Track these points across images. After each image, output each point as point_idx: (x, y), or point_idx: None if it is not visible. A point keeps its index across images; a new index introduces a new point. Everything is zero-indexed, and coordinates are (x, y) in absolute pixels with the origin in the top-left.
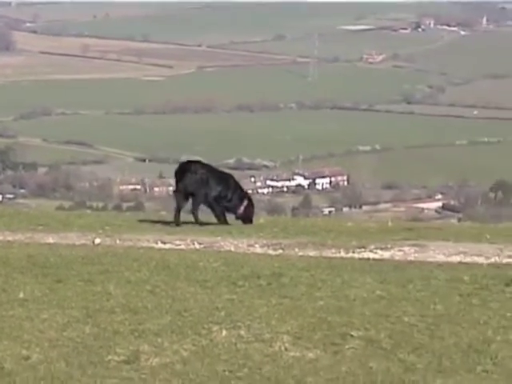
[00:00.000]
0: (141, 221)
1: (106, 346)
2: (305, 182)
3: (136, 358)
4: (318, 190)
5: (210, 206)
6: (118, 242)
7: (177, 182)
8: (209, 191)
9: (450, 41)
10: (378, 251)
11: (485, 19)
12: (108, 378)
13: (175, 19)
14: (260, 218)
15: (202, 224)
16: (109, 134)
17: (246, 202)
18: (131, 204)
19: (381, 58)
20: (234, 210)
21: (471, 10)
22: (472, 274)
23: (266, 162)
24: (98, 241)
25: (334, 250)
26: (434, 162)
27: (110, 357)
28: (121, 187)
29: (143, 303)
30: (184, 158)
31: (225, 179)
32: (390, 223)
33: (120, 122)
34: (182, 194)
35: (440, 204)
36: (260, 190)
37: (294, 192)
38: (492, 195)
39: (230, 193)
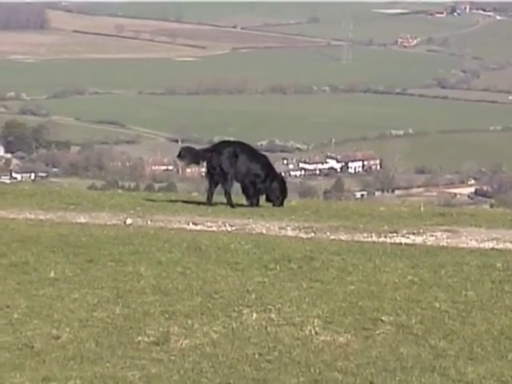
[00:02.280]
0: (172, 202)
1: (136, 327)
2: (337, 166)
3: (166, 339)
4: (350, 173)
5: (241, 184)
6: (149, 222)
7: (207, 163)
8: (238, 170)
9: (486, 25)
10: (410, 236)
11: None
12: (138, 358)
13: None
14: (292, 200)
15: (233, 206)
16: (141, 113)
17: (277, 184)
18: (163, 184)
19: (415, 41)
20: (265, 191)
21: None
22: (504, 261)
23: (298, 145)
24: (129, 221)
25: (365, 234)
26: (467, 147)
27: (139, 338)
28: (153, 167)
29: (174, 285)
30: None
31: (256, 158)
32: (422, 208)
33: (153, 102)
34: (212, 174)
35: (473, 189)
36: (292, 173)
37: (326, 175)
38: None
39: (263, 173)
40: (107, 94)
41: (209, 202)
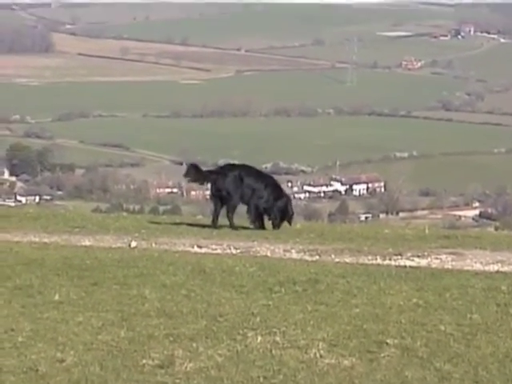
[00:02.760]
0: (177, 224)
1: (141, 350)
2: (342, 188)
3: (170, 362)
4: (354, 195)
5: (247, 205)
6: (154, 245)
7: (212, 185)
8: (243, 192)
9: (490, 48)
10: (415, 258)
11: None
12: (142, 382)
13: (214, 22)
14: (297, 223)
15: (236, 228)
16: (146, 136)
17: (280, 204)
18: (168, 207)
19: (420, 64)
20: (269, 212)
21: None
22: (509, 284)
23: (303, 167)
24: (134, 244)
25: (370, 257)
26: (472, 170)
27: (144, 361)
28: (157, 190)
29: (178, 307)
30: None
31: (261, 179)
32: (426, 230)
33: (157, 125)
34: (217, 197)
35: (477, 212)
36: (297, 195)
37: (330, 197)
38: None
39: (267, 194)
40: (111, 116)
41: (214, 225)
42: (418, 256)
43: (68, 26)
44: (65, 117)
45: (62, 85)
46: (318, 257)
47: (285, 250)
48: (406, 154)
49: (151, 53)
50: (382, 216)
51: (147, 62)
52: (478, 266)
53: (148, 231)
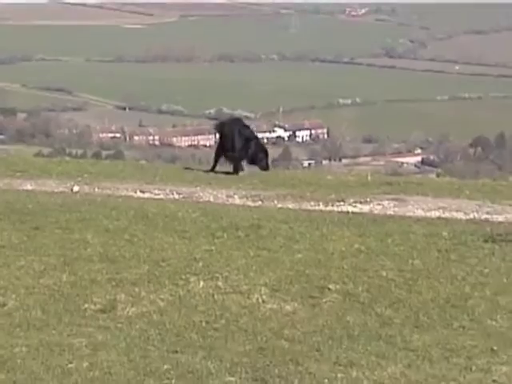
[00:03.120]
0: (120, 169)
1: (83, 295)
2: (285, 134)
3: (113, 307)
4: (298, 142)
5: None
6: (96, 190)
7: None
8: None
9: None
10: (358, 205)
11: None
12: (84, 326)
13: None
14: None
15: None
16: (89, 81)
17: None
18: (111, 152)
19: (363, 11)
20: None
21: None
22: (451, 230)
23: (246, 113)
24: (76, 188)
25: (313, 203)
26: (415, 117)
27: (86, 305)
28: (100, 135)
29: (121, 252)
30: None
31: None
32: (369, 177)
33: (100, 70)
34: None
35: (419, 159)
36: None
37: (273, 144)
38: (471, 151)
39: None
40: (54, 60)
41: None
42: (361, 202)
43: None
44: (6, 60)
45: (4, 28)
46: (260, 202)
47: (228, 196)
48: (349, 101)
49: None
50: (324, 162)
51: (90, 7)
52: (419, 213)
53: (91, 176)
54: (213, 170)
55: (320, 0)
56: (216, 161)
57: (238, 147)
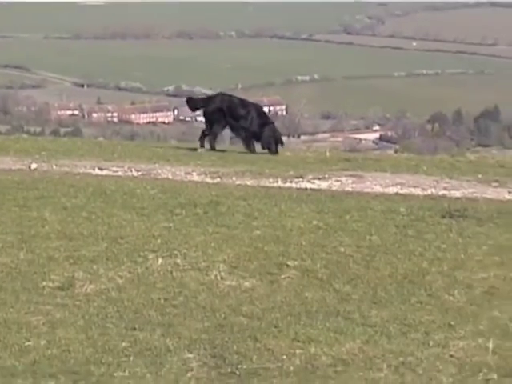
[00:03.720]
0: (78, 147)
1: (41, 273)
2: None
3: (71, 284)
4: None
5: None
6: (54, 167)
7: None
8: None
9: None
10: (316, 181)
11: None
12: (42, 304)
13: None
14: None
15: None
16: (47, 58)
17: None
18: (69, 129)
19: None
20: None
21: None
22: (408, 206)
23: (205, 90)
24: (34, 166)
25: (271, 180)
26: (373, 93)
27: (44, 283)
28: (58, 112)
29: (79, 230)
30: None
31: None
32: (327, 153)
33: (58, 47)
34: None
35: (377, 135)
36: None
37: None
38: (429, 127)
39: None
40: (11, 37)
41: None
42: (319, 178)
43: None
44: None
45: None
46: (219, 179)
47: (186, 173)
48: (307, 78)
49: None
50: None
51: None
52: (377, 189)
53: (49, 153)
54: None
55: None
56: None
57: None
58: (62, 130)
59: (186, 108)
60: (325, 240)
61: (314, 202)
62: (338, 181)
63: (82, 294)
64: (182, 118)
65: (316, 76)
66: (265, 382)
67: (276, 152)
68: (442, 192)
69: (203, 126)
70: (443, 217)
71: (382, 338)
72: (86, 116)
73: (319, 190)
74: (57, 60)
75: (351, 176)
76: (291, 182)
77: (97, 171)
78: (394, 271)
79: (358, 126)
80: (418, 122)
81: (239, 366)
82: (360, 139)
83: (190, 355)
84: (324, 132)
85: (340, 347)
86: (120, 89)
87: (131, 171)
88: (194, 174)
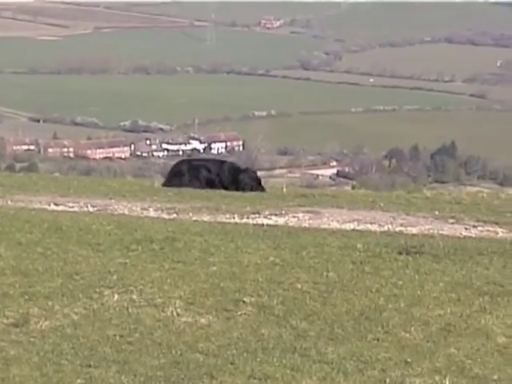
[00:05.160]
0: (34, 182)
1: None
2: (200, 146)
3: (25, 321)
4: (213, 154)
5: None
6: (9, 202)
7: None
8: None
9: (348, 8)
10: (273, 217)
11: None
12: None
13: None
14: (155, 181)
15: None
16: (2, 92)
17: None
18: (24, 164)
19: (278, 23)
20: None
21: None
22: (365, 242)
23: (161, 125)
24: None
25: (228, 216)
26: (330, 129)
27: None
28: (14, 147)
29: (34, 266)
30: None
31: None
32: (284, 189)
33: (14, 82)
34: None
35: (334, 171)
36: (155, 153)
37: (189, 156)
38: (386, 163)
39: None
40: None
41: None
42: (276, 214)
43: None
44: None
45: None
46: (175, 215)
47: (142, 209)
48: (264, 113)
49: (8, 8)
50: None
51: (4, 18)
52: (334, 225)
53: (4, 188)
54: None
55: (235, 12)
56: None
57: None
58: (18, 165)
59: (143, 143)
60: (281, 276)
61: (270, 237)
62: (294, 217)
63: (37, 330)
64: (138, 153)
65: (273, 111)
66: None
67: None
68: (398, 228)
69: (159, 162)
70: (400, 253)
71: (339, 375)
72: (42, 151)
73: (276, 226)
74: (12, 95)
75: (308, 212)
76: (248, 217)
77: (52, 206)
78: (351, 308)
79: (315, 162)
80: (375, 157)
81: None
82: (317, 175)
83: None
84: (281, 167)
85: None
86: (76, 124)
87: (87, 207)
88: (151, 209)
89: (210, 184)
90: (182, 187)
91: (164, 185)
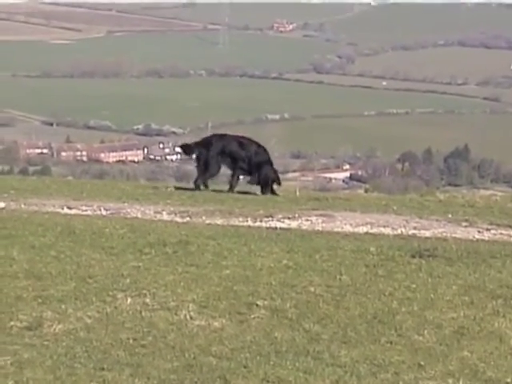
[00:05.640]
0: (47, 185)
1: (9, 312)
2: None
3: (39, 324)
4: None
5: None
6: (23, 206)
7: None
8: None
9: (361, 11)
10: (286, 220)
11: None
12: (10, 344)
13: None
14: (168, 185)
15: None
16: (16, 96)
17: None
18: (38, 168)
19: (291, 27)
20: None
21: None
22: (378, 245)
23: (174, 129)
24: (2, 205)
25: (241, 219)
26: (343, 132)
27: (12, 323)
28: (27, 151)
29: (47, 269)
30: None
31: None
32: (297, 192)
33: (27, 85)
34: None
35: (347, 174)
36: (168, 157)
37: None
38: (399, 166)
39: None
40: None
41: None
42: (289, 218)
43: None
44: None
45: None
46: (188, 218)
47: (155, 212)
48: (277, 117)
49: (20, 12)
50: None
51: (16, 21)
52: (347, 228)
53: (17, 192)
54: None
55: (248, 16)
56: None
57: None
58: (31, 169)
59: (156, 147)
60: (294, 280)
61: (283, 241)
62: (307, 220)
63: (51, 333)
64: (151, 156)
65: (286, 115)
66: None
67: (268, 193)
68: (411, 231)
69: (172, 165)
70: (413, 256)
71: (352, 379)
72: (55, 155)
73: (289, 230)
74: (25, 98)
75: (321, 215)
76: (261, 221)
77: (65, 210)
78: (364, 311)
79: (328, 165)
80: (388, 161)
81: None
82: (330, 178)
83: None
84: (294, 171)
85: None
86: (89, 127)
87: (100, 210)
88: (164, 213)
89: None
90: None
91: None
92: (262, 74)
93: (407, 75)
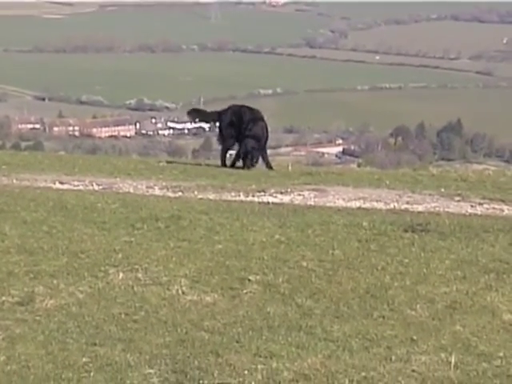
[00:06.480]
0: (39, 160)
1: (0, 287)
2: (206, 125)
3: (31, 299)
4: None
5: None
6: (14, 181)
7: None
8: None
9: None
10: (278, 195)
11: None
12: (1, 319)
13: None
14: (160, 159)
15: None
16: (7, 71)
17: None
18: (30, 143)
19: (284, 1)
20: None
21: None
22: (371, 220)
23: (167, 104)
24: None
25: (233, 194)
26: (335, 107)
27: (3, 298)
28: (19, 126)
29: (39, 244)
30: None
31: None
32: (290, 167)
33: (19, 60)
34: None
35: (340, 149)
36: (161, 132)
37: (194, 134)
38: (392, 141)
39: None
40: None
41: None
42: (281, 193)
43: None
44: None
45: None
46: (180, 193)
47: (147, 187)
48: (270, 91)
49: None
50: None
51: None
52: (340, 203)
53: (9, 167)
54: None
55: None
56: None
57: None
58: (23, 144)
59: (148, 122)
60: (287, 254)
61: (276, 216)
62: (300, 195)
63: (42, 309)
64: (143, 131)
65: (278, 89)
66: None
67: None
68: (404, 206)
69: (165, 140)
70: (406, 231)
71: (345, 353)
72: (47, 130)
73: (281, 204)
74: (17, 73)
75: (313, 190)
76: (253, 195)
77: (57, 185)
78: (357, 286)
79: (320, 140)
80: (380, 135)
81: (201, 382)
82: (323, 153)
83: (151, 370)
84: (286, 146)
85: (302, 362)
86: (81, 102)
87: (92, 185)
88: (156, 188)
89: None
90: None
91: None
92: (254, 48)
93: (400, 49)
